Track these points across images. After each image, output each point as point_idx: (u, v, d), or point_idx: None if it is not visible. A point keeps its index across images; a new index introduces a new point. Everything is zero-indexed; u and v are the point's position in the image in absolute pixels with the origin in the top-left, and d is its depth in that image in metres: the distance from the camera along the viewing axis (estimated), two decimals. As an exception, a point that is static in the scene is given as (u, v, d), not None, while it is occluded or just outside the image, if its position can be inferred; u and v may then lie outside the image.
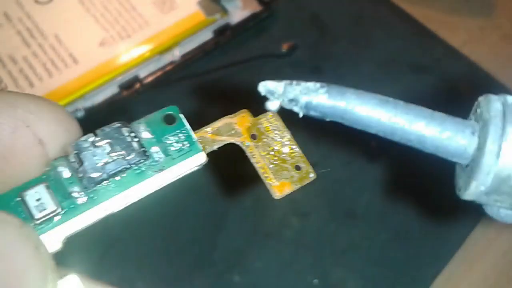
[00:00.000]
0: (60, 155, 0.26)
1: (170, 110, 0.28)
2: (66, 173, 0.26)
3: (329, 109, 0.24)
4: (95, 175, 0.25)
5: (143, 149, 0.26)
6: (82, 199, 0.25)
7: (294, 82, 0.24)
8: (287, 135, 0.29)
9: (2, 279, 0.21)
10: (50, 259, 0.23)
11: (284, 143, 0.29)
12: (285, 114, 0.27)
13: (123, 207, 0.26)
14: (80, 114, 0.63)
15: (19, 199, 0.25)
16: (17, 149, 0.25)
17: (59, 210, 0.25)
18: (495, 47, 0.72)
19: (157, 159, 0.27)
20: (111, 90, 0.65)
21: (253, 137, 0.29)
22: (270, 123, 0.29)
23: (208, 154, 0.28)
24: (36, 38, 0.66)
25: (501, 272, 0.59)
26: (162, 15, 0.68)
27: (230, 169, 0.56)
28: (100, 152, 0.26)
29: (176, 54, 0.67)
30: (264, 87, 0.24)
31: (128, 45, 0.66)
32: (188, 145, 0.27)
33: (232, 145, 0.29)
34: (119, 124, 0.26)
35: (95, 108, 0.64)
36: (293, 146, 0.29)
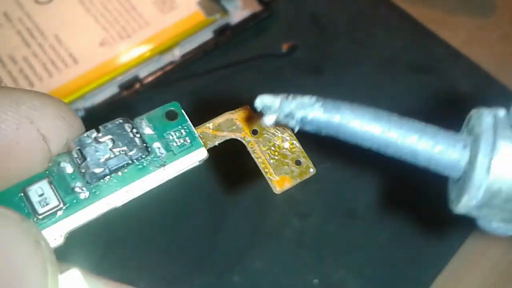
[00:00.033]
0: (63, 151, 0.26)
1: (172, 106, 0.28)
2: (68, 168, 0.26)
3: (324, 123, 0.24)
4: (97, 170, 0.26)
5: (145, 144, 0.27)
6: (84, 194, 0.26)
7: (290, 96, 0.24)
8: (288, 130, 0.29)
9: (1, 272, 0.21)
10: (51, 253, 0.23)
11: (284, 138, 0.29)
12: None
13: (125, 202, 0.26)
14: (80, 114, 0.63)
15: (22, 194, 0.25)
16: (21, 145, 0.26)
17: (61, 205, 0.25)
18: (495, 47, 0.72)
19: (158, 154, 0.27)
20: (111, 90, 0.65)
21: (254, 132, 0.29)
22: None
23: (209, 150, 0.28)
24: (36, 38, 0.66)
25: (501, 272, 0.59)
26: (162, 15, 0.68)
27: (231, 165, 0.56)
28: (103, 147, 0.26)
29: (176, 54, 0.67)
30: (260, 101, 0.25)
31: (128, 45, 0.66)
32: (189, 140, 0.27)
33: (233, 141, 0.29)
34: (121, 120, 0.27)
35: (95, 108, 0.64)
36: (294, 142, 0.29)
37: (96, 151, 0.26)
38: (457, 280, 0.58)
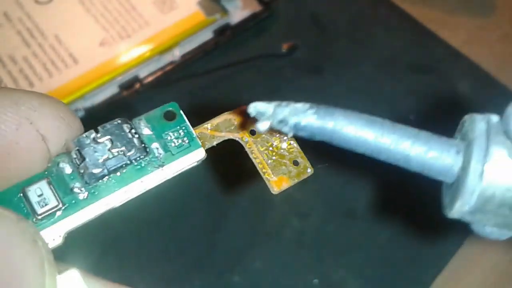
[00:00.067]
0: (62, 152, 0.27)
1: (170, 106, 0.28)
2: (67, 169, 0.26)
3: (318, 129, 0.24)
4: (96, 171, 0.26)
5: (143, 145, 0.27)
6: (83, 194, 0.26)
7: (284, 103, 0.25)
8: None
9: None
10: (49, 252, 0.23)
11: (282, 138, 0.29)
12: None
13: (123, 202, 0.26)
14: (80, 114, 0.63)
15: (21, 194, 0.25)
16: (21, 146, 0.26)
17: (60, 205, 0.25)
18: (495, 47, 0.72)
19: (157, 155, 0.27)
20: (111, 90, 0.65)
21: (252, 133, 0.29)
22: None
23: (207, 150, 0.28)
24: (36, 38, 0.66)
25: (501, 272, 0.59)
26: (162, 15, 0.68)
27: (229, 165, 0.56)
28: (101, 148, 0.26)
29: (176, 54, 0.67)
30: (254, 108, 0.25)
31: (128, 45, 0.66)
32: (187, 141, 0.28)
33: (231, 141, 0.29)
34: (120, 121, 0.27)
35: (95, 108, 0.64)
36: (292, 142, 0.29)
37: (95, 152, 0.26)
38: (457, 280, 0.58)
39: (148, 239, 0.60)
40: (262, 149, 0.29)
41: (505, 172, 0.23)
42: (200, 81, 0.68)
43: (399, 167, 0.25)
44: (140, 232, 0.59)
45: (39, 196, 0.25)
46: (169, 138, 0.27)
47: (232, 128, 0.29)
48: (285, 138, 0.29)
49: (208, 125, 0.29)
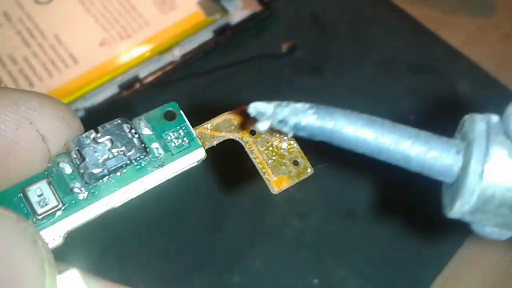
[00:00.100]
0: (62, 152, 0.27)
1: (170, 106, 0.28)
2: (67, 169, 0.26)
3: (318, 129, 0.24)
4: (96, 171, 0.26)
5: (143, 145, 0.27)
6: (83, 194, 0.26)
7: (284, 103, 0.25)
8: None
9: None
10: (49, 252, 0.23)
11: (282, 138, 0.29)
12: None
13: (123, 202, 0.26)
14: (80, 114, 0.63)
15: (21, 194, 0.25)
16: (21, 146, 0.26)
17: (60, 205, 0.26)
18: (495, 47, 0.72)
19: (157, 155, 0.27)
20: (111, 90, 0.65)
21: (252, 133, 0.29)
22: None
23: (207, 150, 0.28)
24: (36, 38, 0.66)
25: (501, 272, 0.59)
26: (162, 15, 0.68)
27: (230, 165, 0.56)
28: (101, 148, 0.26)
29: (176, 54, 0.67)
30: (254, 108, 0.25)
31: (128, 45, 0.66)
32: (187, 141, 0.28)
33: (231, 141, 0.29)
34: (120, 121, 0.27)
35: (95, 108, 0.64)
36: (292, 142, 0.29)
37: (95, 152, 0.26)
38: (457, 280, 0.58)
39: (148, 239, 0.60)
40: (262, 149, 0.29)
41: (505, 172, 0.23)
42: (200, 81, 0.68)
43: (399, 167, 0.25)
44: (140, 232, 0.59)
45: (39, 196, 0.25)
46: (169, 138, 0.27)
47: (232, 128, 0.29)
48: (285, 138, 0.29)
49: (208, 125, 0.29)
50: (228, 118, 0.29)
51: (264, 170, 0.28)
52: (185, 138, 0.27)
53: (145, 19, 0.68)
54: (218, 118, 0.29)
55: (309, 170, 0.29)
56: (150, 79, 0.67)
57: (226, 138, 0.29)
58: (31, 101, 0.26)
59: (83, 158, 0.26)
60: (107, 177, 0.26)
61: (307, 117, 0.24)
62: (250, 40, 0.70)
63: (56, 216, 0.25)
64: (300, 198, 0.61)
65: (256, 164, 0.29)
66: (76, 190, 0.26)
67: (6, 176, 0.26)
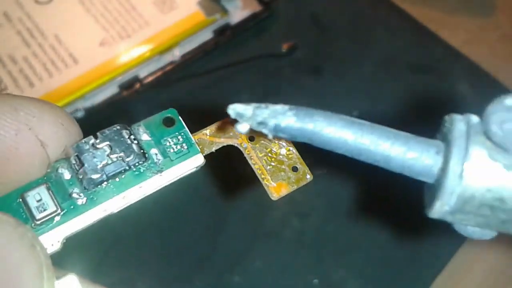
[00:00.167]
0: (61, 157, 0.27)
1: (169, 112, 0.28)
2: (66, 174, 0.26)
3: (297, 131, 0.24)
4: (95, 176, 0.26)
5: (142, 151, 0.27)
6: (81, 200, 0.26)
7: (263, 105, 0.25)
8: None
9: None
10: (47, 257, 0.23)
11: (281, 144, 0.29)
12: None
13: (122, 208, 0.26)
14: (80, 114, 0.63)
15: (20, 200, 0.26)
16: (20, 151, 0.26)
17: (59, 210, 0.26)
18: (495, 47, 0.72)
19: (156, 160, 0.27)
20: (111, 90, 0.65)
21: (251, 139, 0.29)
22: None
23: (206, 156, 0.28)
24: (36, 38, 0.66)
25: (501, 272, 0.59)
26: (162, 15, 0.68)
27: (229, 171, 0.56)
28: (100, 154, 0.26)
29: (176, 54, 0.67)
30: (233, 110, 0.25)
31: (128, 45, 0.66)
32: (186, 147, 0.28)
33: (230, 147, 0.29)
34: (119, 127, 0.27)
35: (95, 108, 0.64)
36: (290, 148, 0.30)
37: (94, 157, 0.26)
38: (457, 280, 0.59)
39: (148, 241, 0.60)
40: (261, 155, 0.29)
41: (485, 173, 0.23)
42: (200, 81, 0.68)
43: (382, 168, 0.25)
44: (141, 234, 0.59)
45: (38, 201, 0.25)
46: (168, 144, 0.27)
47: (231, 134, 0.29)
48: (284, 144, 0.29)
49: (207, 131, 0.29)
50: (227, 124, 0.29)
51: (263, 176, 0.29)
52: (184, 144, 0.28)
53: (145, 19, 0.68)
54: (217, 124, 0.29)
55: (308, 176, 0.29)
56: (150, 79, 0.67)
57: (225, 144, 0.29)
58: (30, 107, 0.26)
59: (82, 164, 0.26)
60: (105, 182, 0.26)
61: (286, 119, 0.24)
62: (250, 40, 0.70)
63: (55, 221, 0.25)
64: (300, 198, 0.61)
65: (255, 170, 0.29)
66: (74, 195, 0.26)
67: (5, 181, 0.26)
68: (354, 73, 0.69)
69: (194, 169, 0.28)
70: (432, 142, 0.24)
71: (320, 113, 0.24)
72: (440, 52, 0.71)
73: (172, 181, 0.27)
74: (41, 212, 0.25)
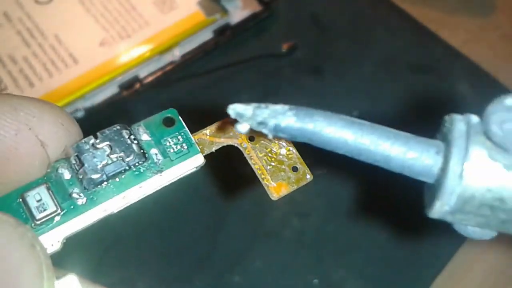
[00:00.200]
0: (61, 157, 0.27)
1: (169, 112, 0.28)
2: (66, 174, 0.26)
3: (297, 131, 0.24)
4: (95, 176, 0.26)
5: (142, 151, 0.27)
6: (81, 200, 0.26)
7: (263, 105, 0.25)
8: None
9: None
10: (47, 257, 0.23)
11: (281, 144, 0.29)
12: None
13: (122, 208, 0.26)
14: (80, 114, 0.63)
15: (20, 200, 0.26)
16: (20, 151, 0.26)
17: (59, 210, 0.26)
18: (495, 47, 0.72)
19: (156, 160, 0.27)
20: (111, 90, 0.65)
21: (251, 139, 0.29)
22: None
23: (207, 156, 0.28)
24: (36, 38, 0.66)
25: (501, 272, 0.59)
26: (162, 15, 0.68)
27: (229, 171, 0.56)
28: (100, 154, 0.26)
29: (176, 54, 0.67)
30: (233, 110, 0.25)
31: (128, 45, 0.66)
32: (186, 147, 0.28)
33: (230, 147, 0.29)
34: (119, 127, 0.27)
35: (95, 108, 0.64)
36: (291, 148, 0.29)
37: (94, 157, 0.26)
38: (457, 280, 0.59)
39: (148, 240, 0.60)
40: (261, 155, 0.29)
41: (485, 173, 0.23)
42: (200, 81, 0.68)
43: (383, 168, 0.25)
44: (141, 234, 0.59)
45: (38, 201, 0.25)
46: (168, 144, 0.27)
47: (231, 134, 0.29)
48: (284, 144, 0.29)
49: (207, 131, 0.29)
50: (227, 124, 0.29)
51: (263, 176, 0.28)
52: (184, 144, 0.28)
53: (145, 19, 0.68)
54: (217, 124, 0.29)
55: (308, 176, 0.29)
56: (150, 79, 0.67)
57: (225, 144, 0.29)
58: (30, 107, 0.26)
59: (82, 164, 0.26)
60: (105, 182, 0.26)
61: (286, 119, 0.24)
62: (250, 40, 0.70)
63: (55, 221, 0.25)
64: (300, 198, 0.61)
65: (255, 170, 0.29)
66: (74, 195, 0.26)
67: (5, 181, 0.26)
68: (354, 73, 0.69)
69: (194, 169, 0.28)
70: (432, 142, 0.24)
71: (320, 113, 0.24)
72: (440, 52, 0.71)
73: (172, 181, 0.27)
74: (41, 212, 0.25)
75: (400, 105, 0.67)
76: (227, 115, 0.25)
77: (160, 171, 0.27)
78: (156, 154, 0.27)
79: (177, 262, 0.59)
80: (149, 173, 0.27)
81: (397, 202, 0.61)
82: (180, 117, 0.28)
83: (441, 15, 0.74)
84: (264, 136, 0.25)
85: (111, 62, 0.65)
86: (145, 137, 0.27)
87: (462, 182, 0.23)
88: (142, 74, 0.67)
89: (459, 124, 0.24)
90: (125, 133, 0.27)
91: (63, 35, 0.66)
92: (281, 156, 0.29)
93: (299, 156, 0.29)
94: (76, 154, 0.26)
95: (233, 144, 0.29)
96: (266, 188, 0.28)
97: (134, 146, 0.27)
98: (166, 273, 0.58)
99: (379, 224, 0.61)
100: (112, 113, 0.64)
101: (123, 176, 0.26)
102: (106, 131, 0.26)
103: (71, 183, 0.26)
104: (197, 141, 0.28)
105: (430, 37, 0.71)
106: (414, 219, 0.60)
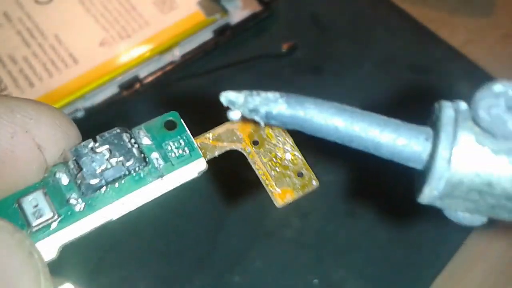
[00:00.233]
0: (59, 161, 0.26)
1: (170, 116, 0.28)
2: (64, 179, 0.26)
3: (289, 118, 0.25)
4: (93, 181, 0.25)
5: (143, 155, 0.26)
6: (79, 206, 0.25)
7: (254, 92, 0.25)
8: (290, 141, 0.29)
9: None
10: (44, 265, 0.23)
11: (286, 149, 0.29)
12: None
13: (121, 214, 0.26)
14: (80, 114, 0.63)
15: (16, 205, 0.25)
16: (16, 154, 0.25)
17: (56, 217, 0.25)
18: (495, 47, 0.72)
19: (156, 165, 0.27)
20: (111, 90, 0.65)
21: (255, 143, 0.29)
22: (272, 129, 0.29)
23: (209, 161, 0.28)
24: (36, 38, 0.66)
25: (501, 272, 0.59)
26: (162, 15, 0.68)
27: (232, 176, 0.56)
28: (99, 158, 0.25)
29: (176, 54, 0.67)
30: (225, 97, 0.25)
31: (128, 45, 0.66)
32: (188, 151, 0.27)
33: (233, 152, 0.29)
34: (119, 130, 0.26)
35: (95, 108, 0.64)
36: (296, 153, 0.29)
37: (93, 162, 0.25)
38: (457, 280, 0.58)
39: (148, 240, 0.60)
40: (265, 160, 0.28)
41: (473, 158, 0.23)
42: (200, 81, 0.68)
43: (381, 158, 0.25)
44: (140, 233, 0.59)
45: (34, 207, 0.25)
46: (169, 148, 0.27)
47: (234, 138, 0.29)
48: (289, 149, 0.29)
49: (209, 134, 0.28)
50: (231, 128, 0.29)
51: (267, 182, 0.28)
52: (185, 148, 0.27)
53: (145, 19, 0.68)
54: (220, 128, 0.29)
55: (314, 183, 0.29)
56: (150, 79, 0.66)
57: (228, 149, 0.28)
58: (27, 109, 0.26)
59: (80, 168, 0.25)
60: (104, 187, 0.26)
61: (278, 106, 0.24)
62: (250, 40, 0.70)
63: (51, 228, 0.25)
64: (300, 198, 0.61)
65: (259, 176, 0.28)
66: (72, 201, 0.25)
67: (1, 186, 0.25)
68: (354, 73, 0.69)
69: (197, 175, 0.27)
70: (421, 129, 0.25)
71: (311, 100, 0.25)
72: (440, 52, 0.71)
73: (174, 186, 0.26)
74: (37, 218, 0.25)
75: (400, 105, 0.66)
76: (227, 117, 0.25)
77: (161, 176, 0.26)
78: (157, 159, 0.26)
79: (177, 262, 0.59)
80: (150, 178, 0.26)
81: (398, 203, 0.61)
82: (182, 120, 0.28)
83: (441, 15, 0.74)
84: (257, 124, 0.25)
85: (111, 62, 0.65)
86: (146, 140, 0.27)
87: (451, 167, 0.23)
88: (142, 74, 0.66)
89: (447, 110, 0.24)
90: (125, 136, 0.26)
91: (63, 35, 0.66)
92: (286, 161, 0.28)
93: (304, 161, 0.29)
94: (74, 158, 0.25)
95: (237, 149, 0.28)
96: (270, 194, 0.28)
97: (135, 150, 0.26)
98: (166, 273, 0.58)
99: (379, 224, 0.61)
100: (112, 113, 0.64)
101: (122, 181, 0.26)
102: (106, 134, 0.26)
103: (69, 188, 0.25)
104: (199, 145, 0.27)
105: (430, 37, 0.71)
106: (415, 219, 0.61)
